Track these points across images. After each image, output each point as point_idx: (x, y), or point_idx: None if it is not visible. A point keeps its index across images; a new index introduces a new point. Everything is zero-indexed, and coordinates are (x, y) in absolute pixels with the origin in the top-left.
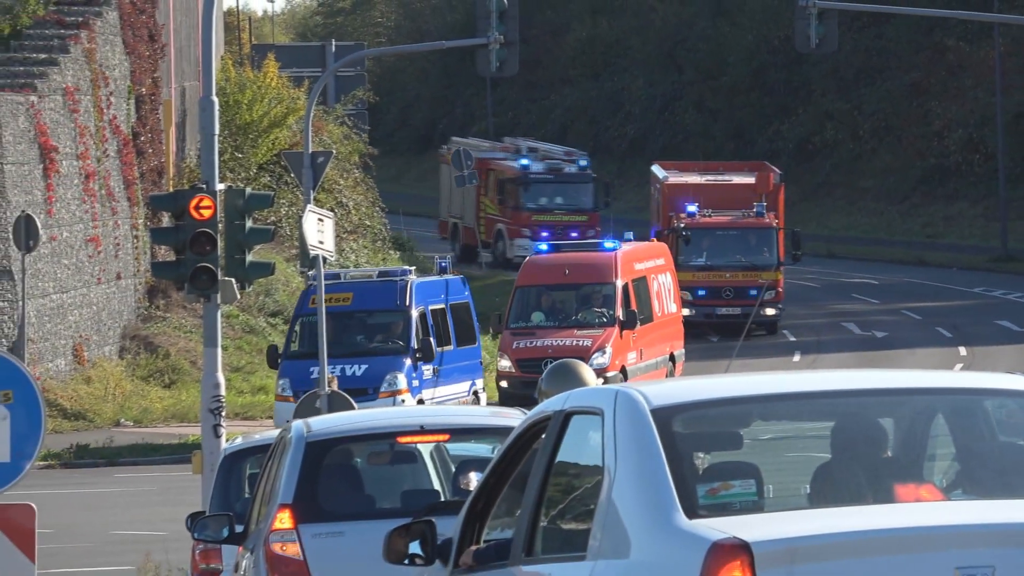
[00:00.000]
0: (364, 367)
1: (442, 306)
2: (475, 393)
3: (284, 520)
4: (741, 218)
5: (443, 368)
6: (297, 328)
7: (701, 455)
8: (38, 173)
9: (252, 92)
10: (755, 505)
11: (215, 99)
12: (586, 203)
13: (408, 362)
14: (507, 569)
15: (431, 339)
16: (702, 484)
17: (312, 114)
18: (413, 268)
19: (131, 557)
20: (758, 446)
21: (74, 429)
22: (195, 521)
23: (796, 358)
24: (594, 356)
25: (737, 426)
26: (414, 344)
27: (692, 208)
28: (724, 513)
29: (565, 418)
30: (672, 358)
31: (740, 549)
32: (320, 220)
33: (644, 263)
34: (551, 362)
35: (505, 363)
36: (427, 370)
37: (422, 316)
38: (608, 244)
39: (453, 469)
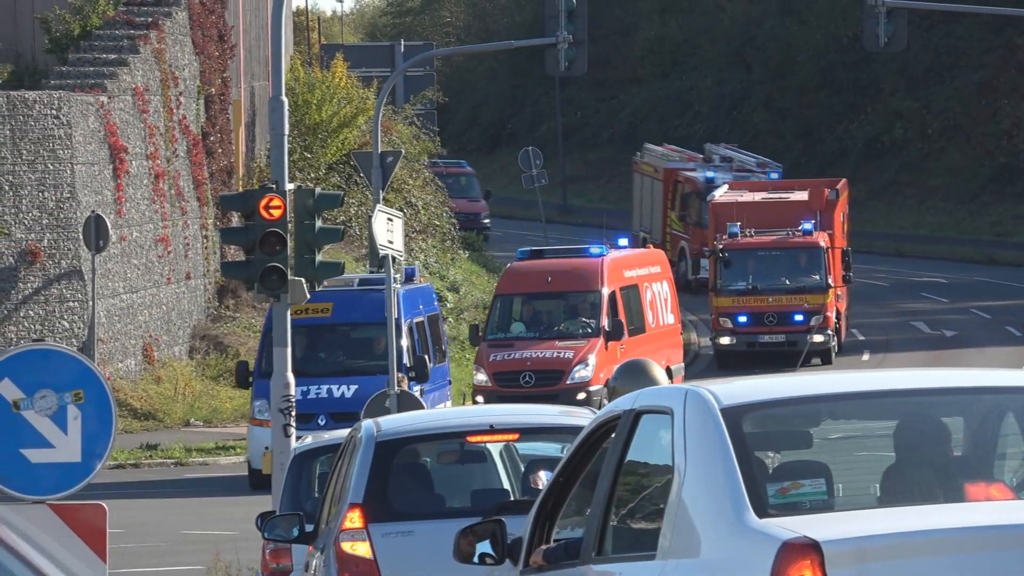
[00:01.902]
0: (354, 388)
1: (422, 319)
2: None
3: (354, 519)
4: (786, 237)
5: (427, 388)
6: (270, 343)
7: (771, 454)
8: (108, 173)
9: (321, 92)
10: (825, 504)
11: (284, 99)
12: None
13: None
14: (577, 568)
15: (424, 356)
16: (772, 483)
17: (381, 114)
18: (399, 275)
19: (201, 557)
20: (827, 445)
21: (144, 429)
22: (265, 521)
23: (865, 357)
24: (575, 369)
25: (807, 425)
26: (406, 362)
27: (734, 228)
28: (794, 512)
29: (635, 417)
30: (669, 373)
31: (810, 548)
32: (389, 220)
33: (636, 270)
34: (530, 375)
35: (481, 377)
36: (416, 391)
37: (410, 330)
38: (594, 250)
39: (522, 468)
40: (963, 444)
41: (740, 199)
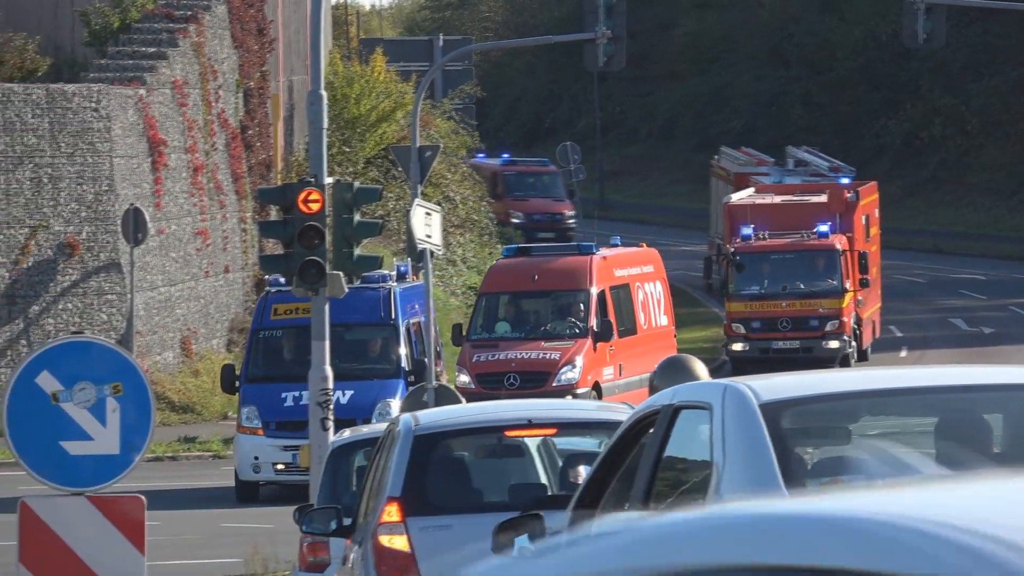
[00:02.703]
0: (350, 393)
1: (418, 320)
2: None
3: (392, 513)
4: (801, 240)
5: None
6: (258, 345)
7: (810, 450)
8: (147, 166)
9: (360, 86)
10: None
11: (323, 93)
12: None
13: (400, 388)
14: None
15: (424, 360)
16: (811, 479)
17: (420, 108)
18: (392, 273)
19: (239, 549)
20: (866, 441)
21: (182, 422)
22: (303, 514)
23: (903, 354)
24: (562, 371)
25: (845, 421)
26: (406, 365)
27: (747, 231)
28: None
29: (674, 412)
30: None
31: None
32: (428, 214)
33: (627, 269)
34: (514, 377)
35: (464, 378)
36: None
37: (407, 331)
38: (583, 247)
39: (560, 463)
40: (1002, 440)
41: (756, 201)
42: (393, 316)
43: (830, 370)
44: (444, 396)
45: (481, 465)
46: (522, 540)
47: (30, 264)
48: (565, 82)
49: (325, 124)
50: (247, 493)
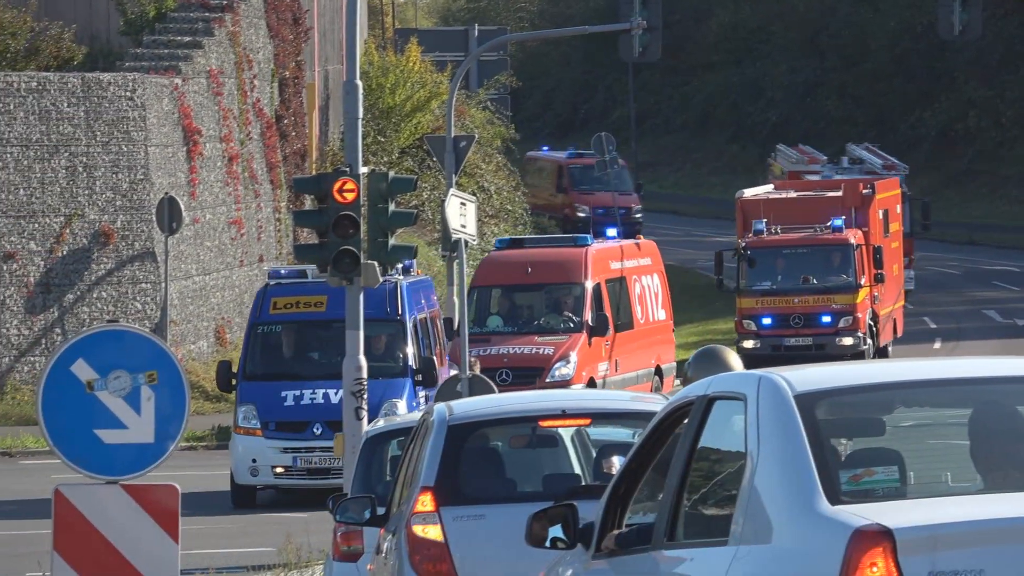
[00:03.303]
0: None
1: (426, 315)
2: None
3: (426, 503)
4: (815, 234)
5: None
6: (257, 340)
7: (843, 441)
8: (182, 155)
9: (395, 76)
10: (897, 492)
11: (359, 83)
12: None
13: (407, 387)
14: (649, 554)
15: (434, 358)
16: (845, 470)
17: (455, 98)
18: (399, 266)
19: (272, 539)
20: (900, 433)
21: (216, 411)
22: (337, 503)
23: (936, 345)
24: (556, 366)
25: (879, 412)
26: (413, 364)
27: (759, 226)
28: (867, 499)
29: (708, 403)
30: (659, 371)
31: (882, 536)
32: (462, 204)
33: (624, 262)
34: (507, 373)
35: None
36: (422, 397)
37: (415, 328)
38: (578, 239)
39: (594, 453)
40: None
41: (770, 196)
42: (400, 311)
43: (865, 361)
44: (478, 386)
45: (515, 455)
46: (556, 530)
47: (65, 253)
48: (600, 72)
49: (360, 114)
50: (244, 498)
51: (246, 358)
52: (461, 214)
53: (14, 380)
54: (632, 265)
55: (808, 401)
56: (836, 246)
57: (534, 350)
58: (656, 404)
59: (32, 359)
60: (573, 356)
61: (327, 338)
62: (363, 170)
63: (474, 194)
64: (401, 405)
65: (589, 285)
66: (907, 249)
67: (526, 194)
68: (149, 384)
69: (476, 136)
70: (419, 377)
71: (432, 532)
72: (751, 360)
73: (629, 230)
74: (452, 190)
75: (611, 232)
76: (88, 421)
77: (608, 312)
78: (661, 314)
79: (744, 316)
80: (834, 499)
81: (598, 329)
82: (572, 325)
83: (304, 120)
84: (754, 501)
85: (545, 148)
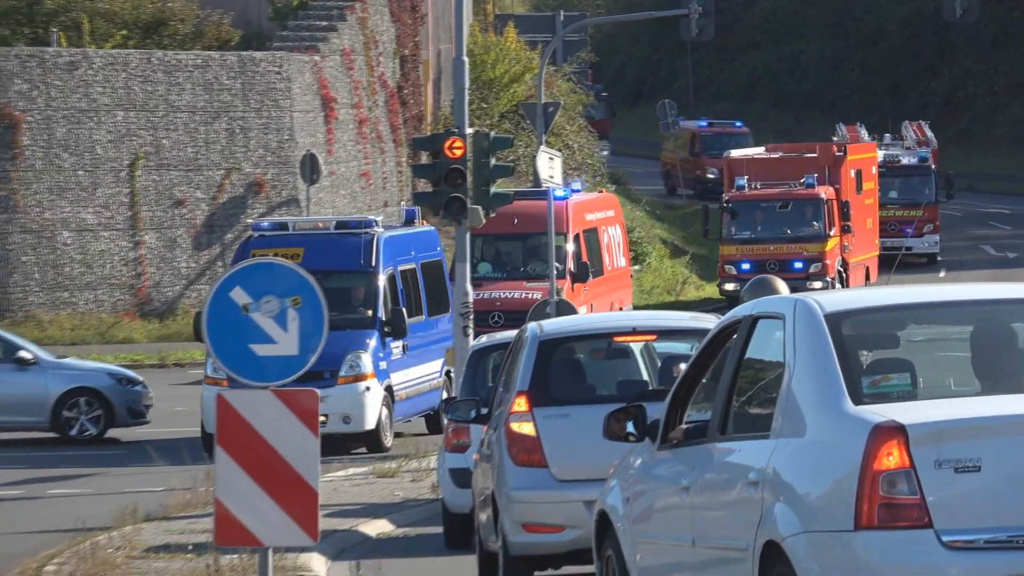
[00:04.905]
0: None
1: (412, 266)
2: (447, 375)
3: (521, 404)
4: (790, 190)
5: (413, 345)
6: None
7: (865, 352)
8: (320, 119)
9: (495, 54)
10: (909, 394)
11: (465, 59)
12: (924, 196)
13: (374, 339)
14: (704, 445)
15: (402, 309)
16: (866, 376)
17: (544, 72)
18: (380, 218)
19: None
20: (912, 346)
21: None
22: (448, 405)
23: (942, 274)
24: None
25: (895, 329)
26: (382, 315)
27: (741, 181)
28: (884, 401)
29: (753, 322)
30: None
31: (897, 430)
32: (550, 159)
33: (594, 214)
34: (499, 316)
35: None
36: (396, 348)
37: (391, 280)
38: (558, 192)
39: (659, 364)
40: None
41: (754, 156)
42: (373, 264)
43: (883, 286)
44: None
45: (594, 365)
46: (628, 426)
47: (225, 200)
48: (664, 50)
49: (467, 85)
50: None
51: None
52: (549, 167)
53: (184, 304)
54: (601, 216)
55: (836, 319)
56: (808, 200)
57: (524, 295)
58: (710, 322)
59: (198, 287)
60: None
61: None
62: (469, 131)
63: (560, 150)
64: (365, 357)
65: (571, 235)
66: (931, 216)
67: (666, 156)
68: (294, 307)
69: (562, 103)
70: (387, 329)
71: (526, 428)
72: (732, 300)
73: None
74: (542, 147)
75: (575, 186)
76: (244, 337)
77: (586, 260)
78: (622, 261)
79: (726, 262)
80: (857, 400)
81: (579, 276)
82: (556, 272)
83: (420, 90)
84: (791, 402)
85: (681, 118)
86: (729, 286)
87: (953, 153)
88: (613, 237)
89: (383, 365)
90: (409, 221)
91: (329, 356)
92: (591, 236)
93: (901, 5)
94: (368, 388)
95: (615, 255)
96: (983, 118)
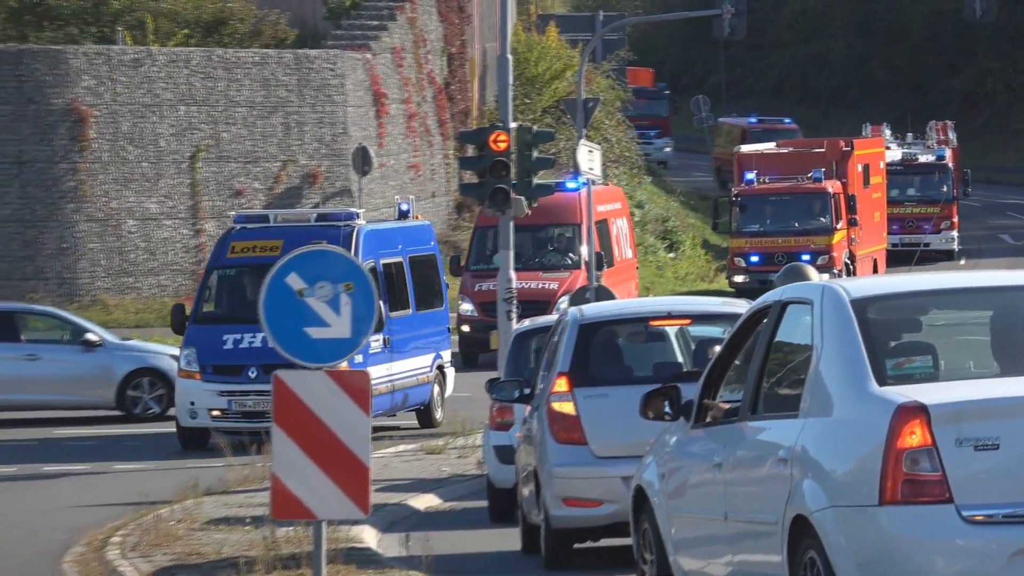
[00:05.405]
0: None
1: (398, 259)
2: (440, 369)
3: (562, 385)
4: (797, 184)
5: (396, 339)
6: (212, 283)
7: (889, 336)
8: (372, 114)
9: (537, 52)
10: (931, 376)
11: (509, 57)
12: (941, 194)
13: None
14: (736, 424)
15: (379, 302)
16: (890, 359)
17: (584, 69)
18: (361, 211)
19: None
20: (934, 330)
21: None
22: (493, 385)
23: (962, 262)
24: (561, 300)
25: (917, 313)
26: None
27: (750, 176)
28: (907, 382)
29: (782, 307)
30: None
31: (920, 410)
32: (590, 151)
33: (605, 206)
34: (519, 305)
35: (468, 307)
36: (375, 341)
37: (371, 272)
38: (570, 184)
39: (693, 347)
40: None
41: (763, 151)
42: (352, 256)
43: (906, 273)
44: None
45: (631, 347)
46: (664, 406)
47: (282, 190)
48: (698, 48)
49: (511, 81)
50: (190, 440)
51: (198, 301)
52: (589, 159)
53: None
54: (610, 208)
55: (861, 305)
56: (816, 194)
57: (541, 285)
58: (742, 308)
59: None
60: None
61: None
62: (513, 125)
63: (599, 144)
64: None
65: (585, 226)
66: (949, 213)
67: (717, 151)
68: (347, 292)
69: (601, 99)
70: None
71: (567, 407)
72: (741, 292)
73: None
74: (582, 140)
75: (570, 184)
76: (299, 321)
77: (598, 250)
78: (628, 253)
79: (735, 254)
80: (881, 381)
81: (596, 266)
82: (571, 262)
83: (467, 87)
84: (818, 383)
85: (733, 114)
86: (738, 278)
87: (972, 147)
88: (620, 229)
89: (359, 358)
90: (403, 216)
91: None
92: (602, 227)
93: (923, 5)
94: None
95: (623, 246)
96: (1001, 113)
